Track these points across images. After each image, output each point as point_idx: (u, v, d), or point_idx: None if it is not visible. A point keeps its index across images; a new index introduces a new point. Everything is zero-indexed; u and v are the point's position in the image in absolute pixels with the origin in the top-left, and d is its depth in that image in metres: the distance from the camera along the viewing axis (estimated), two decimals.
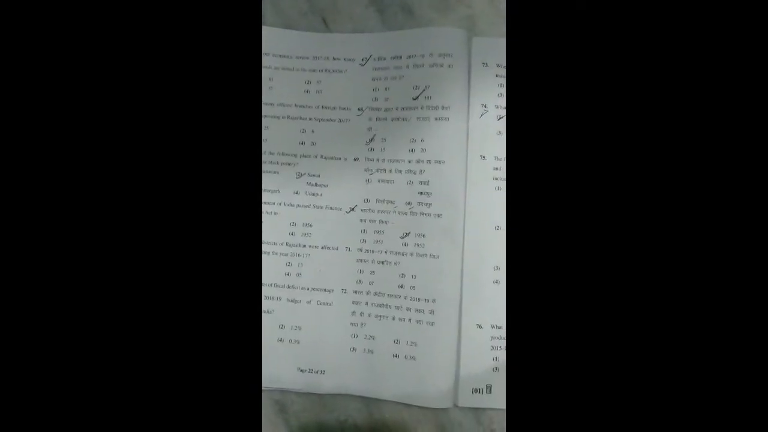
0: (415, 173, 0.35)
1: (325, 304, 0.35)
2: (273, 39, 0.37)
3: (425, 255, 0.34)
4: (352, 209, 0.35)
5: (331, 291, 0.35)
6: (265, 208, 0.36)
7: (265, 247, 0.35)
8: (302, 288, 0.35)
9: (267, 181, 0.36)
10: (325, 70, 0.37)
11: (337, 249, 0.35)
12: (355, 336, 0.34)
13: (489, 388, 0.33)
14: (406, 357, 0.33)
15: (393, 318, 0.34)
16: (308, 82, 0.37)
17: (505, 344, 0.34)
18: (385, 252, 0.35)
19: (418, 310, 0.34)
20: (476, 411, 0.34)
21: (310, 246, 0.35)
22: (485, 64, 0.35)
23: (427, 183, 0.34)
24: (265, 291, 0.35)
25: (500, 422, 0.34)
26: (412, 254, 0.34)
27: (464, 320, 0.34)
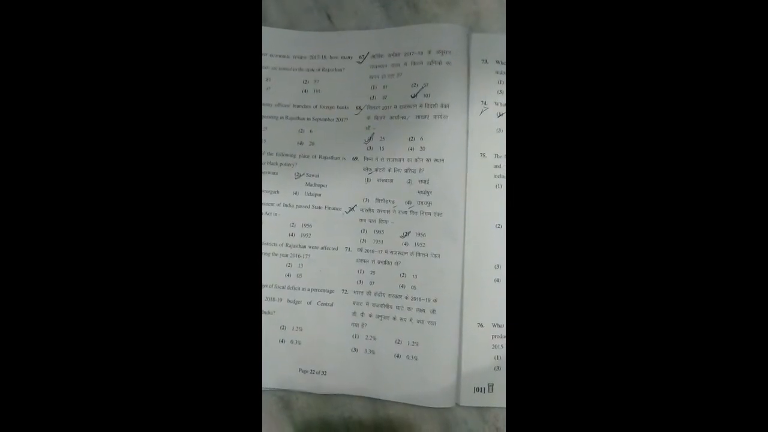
0: (414, 172, 0.34)
1: (326, 304, 0.35)
2: (270, 39, 0.36)
3: (426, 254, 0.34)
4: (352, 209, 0.35)
5: (331, 291, 0.35)
6: (264, 209, 0.36)
7: (265, 248, 0.35)
8: (303, 289, 0.35)
9: (266, 182, 0.36)
10: (323, 69, 0.36)
11: (337, 249, 0.35)
12: (356, 336, 0.34)
13: (491, 387, 0.33)
14: (407, 357, 0.33)
15: (394, 318, 0.34)
16: (306, 82, 0.36)
17: (506, 342, 0.34)
18: (386, 252, 0.34)
19: (419, 310, 0.34)
20: (481, 408, 0.34)
21: (310, 246, 0.35)
22: (485, 61, 0.35)
23: (426, 182, 0.34)
24: (266, 292, 0.35)
25: (505, 420, 0.33)
26: (412, 254, 0.34)
27: (465, 319, 0.33)
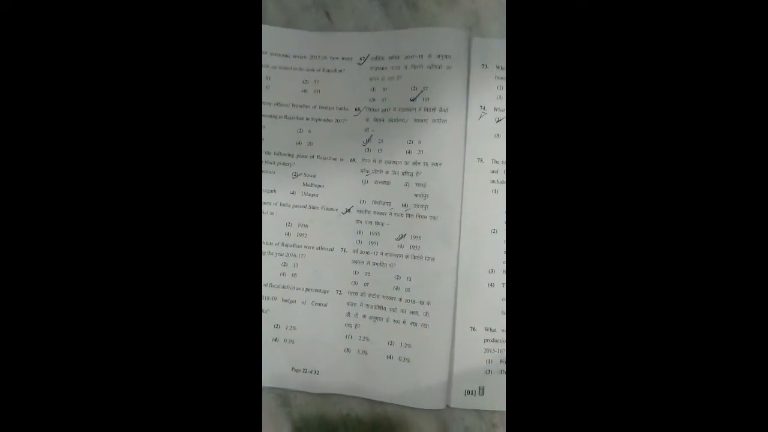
0: (411, 175, 0.35)
1: (320, 304, 0.35)
2: (271, 38, 0.36)
3: (420, 257, 0.34)
4: (348, 210, 0.35)
5: (326, 292, 0.35)
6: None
7: None
8: (297, 288, 0.35)
9: (263, 181, 0.36)
10: (323, 70, 0.36)
11: (332, 250, 0.35)
12: (349, 337, 0.34)
13: (482, 390, 0.34)
14: (400, 358, 0.34)
15: (387, 319, 0.34)
16: (306, 82, 0.36)
17: (498, 346, 0.34)
18: (381, 253, 0.35)
19: (413, 312, 0.34)
20: None
21: (305, 246, 0.35)
22: (485, 66, 0.35)
23: (423, 185, 0.34)
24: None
25: (501, 417, 0.34)
26: (407, 256, 0.34)
27: (458, 322, 0.34)
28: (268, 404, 0.34)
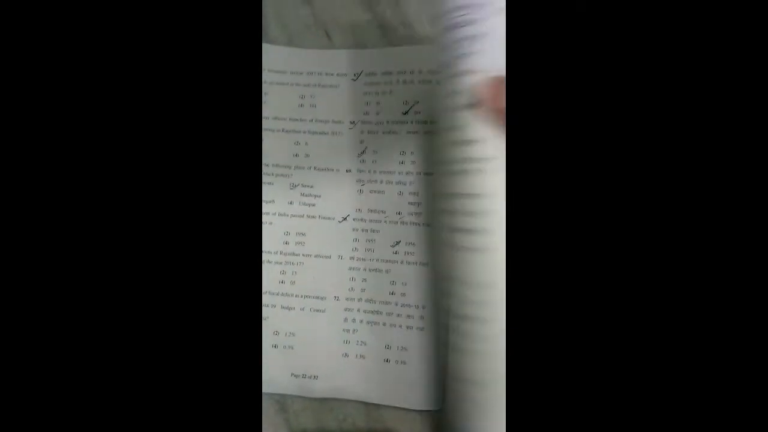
0: (405, 184, 0.36)
1: (318, 311, 0.36)
2: (269, 55, 0.38)
3: (415, 263, 0.35)
4: (345, 219, 0.37)
5: (324, 298, 0.36)
6: None
7: None
8: (296, 295, 0.36)
9: (262, 192, 0.37)
10: (319, 85, 0.38)
11: (329, 257, 0.36)
12: (347, 342, 0.35)
13: None
14: (396, 361, 0.35)
15: (384, 324, 0.35)
16: (302, 97, 0.38)
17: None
18: (377, 260, 0.36)
19: (408, 316, 0.35)
20: None
21: (303, 255, 0.36)
22: None
23: (416, 193, 0.36)
24: None
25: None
26: (402, 262, 0.36)
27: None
28: (266, 411, 0.35)
